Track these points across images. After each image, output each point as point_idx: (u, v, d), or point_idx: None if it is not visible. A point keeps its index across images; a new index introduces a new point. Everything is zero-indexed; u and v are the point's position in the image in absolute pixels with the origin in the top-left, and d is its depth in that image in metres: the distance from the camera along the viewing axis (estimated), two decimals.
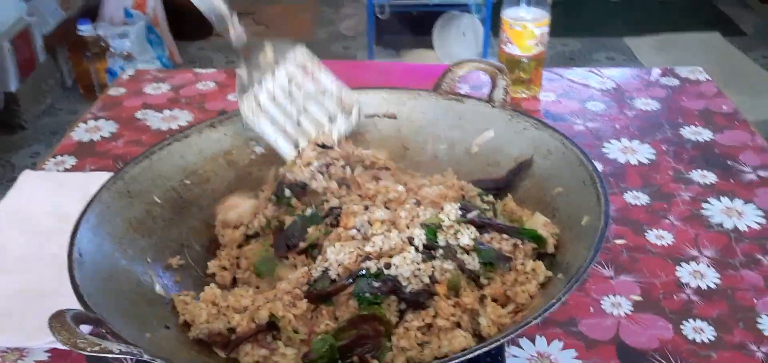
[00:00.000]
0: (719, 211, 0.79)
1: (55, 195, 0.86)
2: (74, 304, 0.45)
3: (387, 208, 0.51)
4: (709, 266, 0.71)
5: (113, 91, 1.11)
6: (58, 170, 0.91)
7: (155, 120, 1.01)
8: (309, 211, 0.54)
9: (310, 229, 0.51)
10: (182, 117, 1.01)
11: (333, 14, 3.63)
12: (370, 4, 2.26)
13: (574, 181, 0.51)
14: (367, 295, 0.44)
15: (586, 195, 0.49)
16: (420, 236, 0.47)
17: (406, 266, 0.45)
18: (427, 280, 0.45)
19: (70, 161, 0.93)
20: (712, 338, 0.62)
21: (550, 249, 0.50)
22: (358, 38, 3.28)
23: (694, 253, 0.73)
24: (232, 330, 0.46)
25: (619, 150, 0.91)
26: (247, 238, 0.56)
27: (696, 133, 0.95)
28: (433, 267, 0.46)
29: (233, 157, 0.61)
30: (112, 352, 0.37)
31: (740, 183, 0.84)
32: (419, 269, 0.46)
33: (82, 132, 0.99)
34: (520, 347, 0.60)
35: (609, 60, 3.06)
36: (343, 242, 0.48)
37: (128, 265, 0.49)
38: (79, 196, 0.84)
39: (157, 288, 0.50)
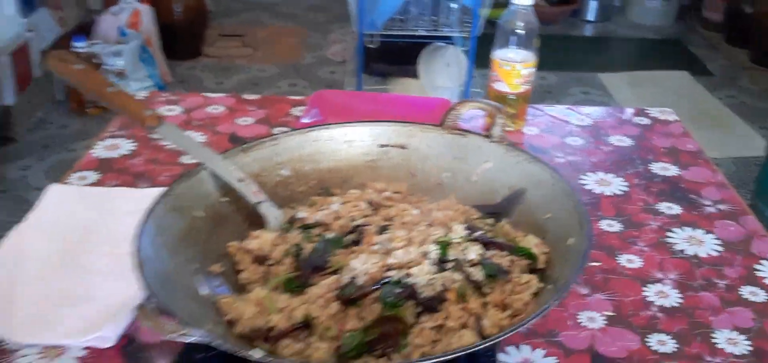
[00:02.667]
0: (682, 239, 0.89)
1: (79, 209, 0.92)
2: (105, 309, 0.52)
3: (404, 228, 0.60)
4: (672, 288, 0.80)
5: None
6: (80, 185, 0.98)
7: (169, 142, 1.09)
8: (330, 236, 0.62)
9: (338, 252, 0.59)
10: (196, 138, 1.09)
11: (321, 39, 3.74)
12: (360, 33, 2.36)
13: (562, 209, 0.61)
14: (390, 299, 0.53)
15: (572, 220, 0.59)
16: (434, 251, 0.56)
17: (423, 276, 0.54)
18: (439, 288, 0.54)
19: (93, 177, 1.00)
20: (674, 350, 0.71)
21: (541, 265, 0.59)
22: (345, 64, 3.38)
23: (660, 275, 0.82)
24: (270, 328, 0.54)
25: (595, 182, 1.01)
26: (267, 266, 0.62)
27: (664, 169, 1.05)
28: (444, 277, 0.55)
29: (262, 178, 0.69)
30: (193, 336, 0.45)
31: (702, 215, 0.94)
32: (433, 279, 0.54)
33: (101, 149, 1.06)
34: (507, 354, 0.69)
35: (584, 94, 3.20)
36: (367, 255, 0.57)
37: (180, 269, 0.56)
38: (102, 210, 0.91)
39: (204, 290, 0.57)
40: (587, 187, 1.00)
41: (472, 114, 0.75)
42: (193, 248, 0.60)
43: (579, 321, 0.75)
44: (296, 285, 0.58)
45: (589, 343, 0.72)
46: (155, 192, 0.85)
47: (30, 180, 2.42)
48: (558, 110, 1.23)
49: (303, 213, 0.65)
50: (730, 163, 2.55)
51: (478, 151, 0.69)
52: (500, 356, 0.67)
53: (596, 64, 3.47)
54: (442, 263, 0.56)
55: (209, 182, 0.66)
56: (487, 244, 0.59)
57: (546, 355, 0.69)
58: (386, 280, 0.54)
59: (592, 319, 0.75)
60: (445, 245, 0.57)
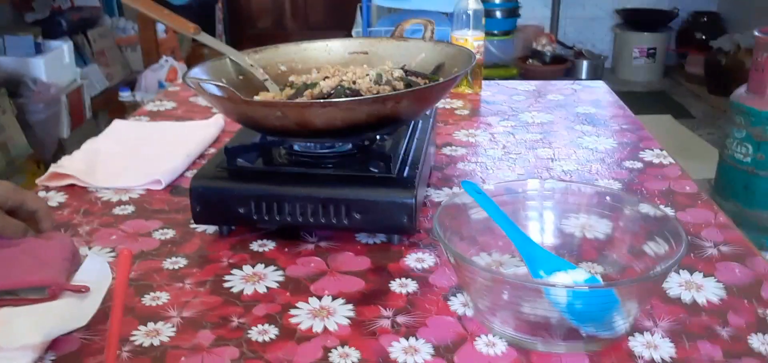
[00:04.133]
0: (588, 137, 1.18)
1: (137, 130, 1.25)
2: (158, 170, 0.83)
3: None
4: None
5: (171, 89, 1.53)
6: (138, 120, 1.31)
7: (202, 101, 1.42)
8: (309, 81, 0.93)
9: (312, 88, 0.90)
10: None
11: None
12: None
13: (462, 62, 0.91)
14: (343, 95, 0.82)
15: (465, 64, 0.89)
16: (373, 74, 0.86)
17: (365, 85, 0.84)
18: (374, 92, 0.83)
19: (145, 119, 1.33)
20: None
21: None
22: None
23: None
24: None
25: (529, 117, 1.31)
26: None
27: (585, 109, 1.35)
28: (378, 86, 0.85)
29: (267, 70, 1.00)
30: (212, 86, 0.76)
31: (605, 130, 1.23)
32: (371, 87, 0.84)
33: (152, 105, 1.40)
34: None
35: None
36: (331, 79, 0.87)
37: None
38: (152, 129, 1.23)
39: None
40: (523, 119, 1.30)
41: (414, 28, 1.06)
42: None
43: None
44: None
45: None
46: (188, 124, 1.19)
47: None
48: (508, 82, 1.55)
49: (293, 78, 0.96)
50: (706, 182, 2.81)
51: (416, 48, 1.00)
52: None
53: None
54: (378, 80, 0.86)
55: (230, 66, 0.97)
56: (407, 73, 0.89)
57: None
58: (341, 86, 0.84)
59: None
60: (381, 73, 0.87)
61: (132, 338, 0.66)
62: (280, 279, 0.76)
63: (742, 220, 2.24)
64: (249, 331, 0.67)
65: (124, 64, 3.25)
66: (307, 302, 0.71)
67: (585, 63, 4.33)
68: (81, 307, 0.67)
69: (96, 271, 0.72)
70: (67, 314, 0.66)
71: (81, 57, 2.95)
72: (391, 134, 0.90)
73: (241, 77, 0.98)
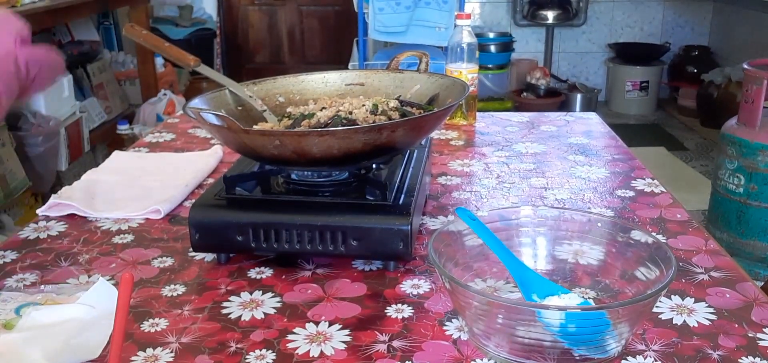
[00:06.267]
0: (581, 168, 1.20)
1: (136, 160, 1.26)
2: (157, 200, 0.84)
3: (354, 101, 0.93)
4: None
5: (171, 121, 1.54)
6: (137, 152, 1.32)
7: (201, 132, 1.44)
8: (306, 112, 0.95)
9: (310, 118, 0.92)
10: None
11: None
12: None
13: (456, 93, 0.93)
14: (339, 124, 0.84)
15: (459, 94, 0.91)
16: (369, 104, 0.88)
17: (361, 115, 0.86)
18: (371, 122, 0.85)
19: (144, 150, 1.34)
20: None
21: None
22: None
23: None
24: None
25: (522, 146, 1.33)
26: None
27: (577, 139, 1.37)
28: (374, 116, 0.87)
29: (266, 101, 1.02)
30: (212, 117, 0.77)
31: (598, 162, 1.25)
32: (367, 117, 0.86)
33: (151, 137, 1.41)
34: None
35: None
36: (328, 109, 0.89)
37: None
38: (151, 160, 1.25)
39: None
40: (517, 149, 1.32)
41: (409, 60, 1.09)
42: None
43: None
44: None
45: None
46: (187, 154, 1.21)
47: None
48: (502, 114, 1.57)
49: (291, 109, 0.98)
50: (700, 213, 2.83)
51: (411, 80, 1.02)
52: None
53: None
54: (375, 111, 0.88)
55: (229, 97, 0.99)
56: (403, 104, 0.92)
57: None
58: (337, 116, 0.86)
59: None
60: (377, 103, 0.90)
61: None
62: (278, 305, 0.77)
63: (735, 251, 2.25)
64: (247, 357, 0.67)
65: (122, 97, 3.28)
66: (305, 328, 0.72)
67: (579, 96, 4.38)
68: (93, 338, 0.68)
69: (104, 297, 0.73)
70: (78, 346, 0.67)
71: (80, 90, 2.97)
72: (387, 163, 0.92)
73: (240, 108, 1.00)
